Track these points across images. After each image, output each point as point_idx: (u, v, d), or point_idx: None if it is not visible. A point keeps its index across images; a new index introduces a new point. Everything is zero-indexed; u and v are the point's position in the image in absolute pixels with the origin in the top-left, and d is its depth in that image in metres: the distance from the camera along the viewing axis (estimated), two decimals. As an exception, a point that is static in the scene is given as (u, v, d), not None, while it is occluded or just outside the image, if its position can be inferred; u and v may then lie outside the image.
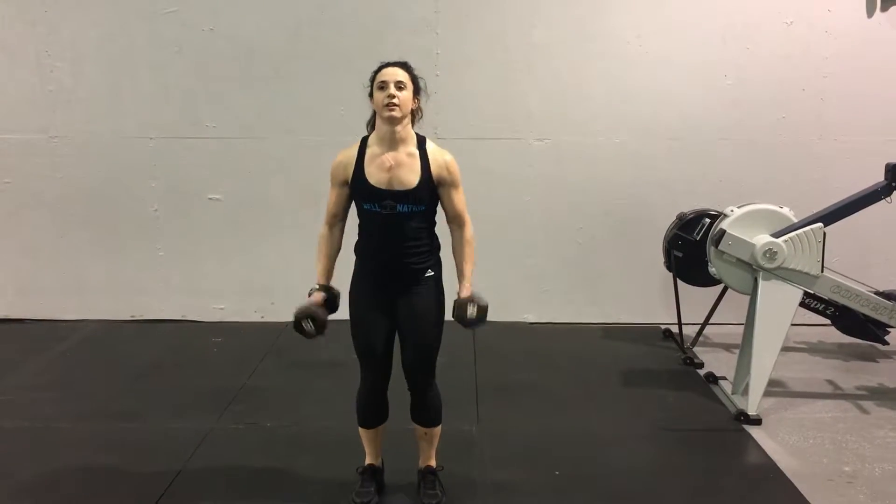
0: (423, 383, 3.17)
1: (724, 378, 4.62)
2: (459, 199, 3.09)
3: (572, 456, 3.74)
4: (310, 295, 3.12)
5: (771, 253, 4.06)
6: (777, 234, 4.10)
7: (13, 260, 5.74)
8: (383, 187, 2.94)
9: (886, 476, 3.57)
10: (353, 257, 3.16)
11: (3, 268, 5.76)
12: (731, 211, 4.29)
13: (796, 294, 4.15)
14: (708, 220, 4.88)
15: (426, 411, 3.24)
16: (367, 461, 3.34)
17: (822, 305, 4.70)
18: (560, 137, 5.57)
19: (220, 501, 3.36)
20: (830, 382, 4.69)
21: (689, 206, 5.18)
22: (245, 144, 5.59)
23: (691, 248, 4.96)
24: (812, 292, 4.27)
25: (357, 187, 2.98)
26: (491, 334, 5.47)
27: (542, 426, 4.06)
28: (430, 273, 3.09)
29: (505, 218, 5.62)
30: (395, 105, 2.89)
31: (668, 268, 5.22)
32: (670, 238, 5.11)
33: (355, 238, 3.15)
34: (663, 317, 5.63)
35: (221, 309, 5.78)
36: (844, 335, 4.92)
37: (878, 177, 4.24)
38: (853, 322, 4.74)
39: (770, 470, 3.62)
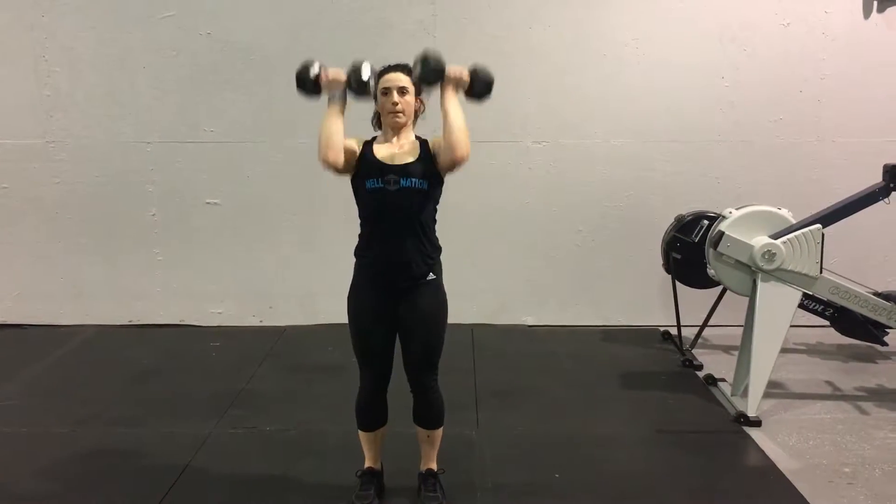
0: (426, 384, 3.18)
1: (723, 380, 4.62)
2: None
3: (572, 459, 3.73)
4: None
5: (770, 254, 4.06)
6: (775, 236, 4.10)
7: (11, 265, 5.74)
8: (388, 162, 3.01)
9: (886, 477, 3.56)
10: (353, 260, 3.15)
11: (1, 273, 5.75)
12: (730, 213, 4.28)
13: (795, 295, 4.14)
14: (706, 222, 4.88)
15: (429, 413, 3.24)
16: (367, 465, 3.33)
17: (821, 307, 4.71)
18: (558, 140, 5.58)
19: (219, 506, 3.36)
20: (830, 383, 4.69)
21: (688, 207, 5.19)
22: (243, 149, 5.58)
23: (690, 249, 4.96)
24: (811, 293, 4.26)
25: (364, 162, 3.03)
26: (490, 337, 5.49)
27: (542, 429, 4.06)
28: (431, 276, 3.09)
29: (503, 220, 5.63)
30: (399, 111, 3.03)
31: (667, 270, 5.23)
32: (669, 240, 5.12)
33: (354, 240, 3.14)
34: (662, 319, 5.63)
35: (220, 313, 5.78)
36: (843, 336, 4.91)
37: (877, 178, 4.24)
38: (852, 323, 4.74)
39: (770, 471, 3.62)
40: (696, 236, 4.94)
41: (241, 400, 4.42)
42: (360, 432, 3.29)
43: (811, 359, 5.13)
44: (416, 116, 3.15)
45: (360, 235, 3.13)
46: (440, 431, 3.29)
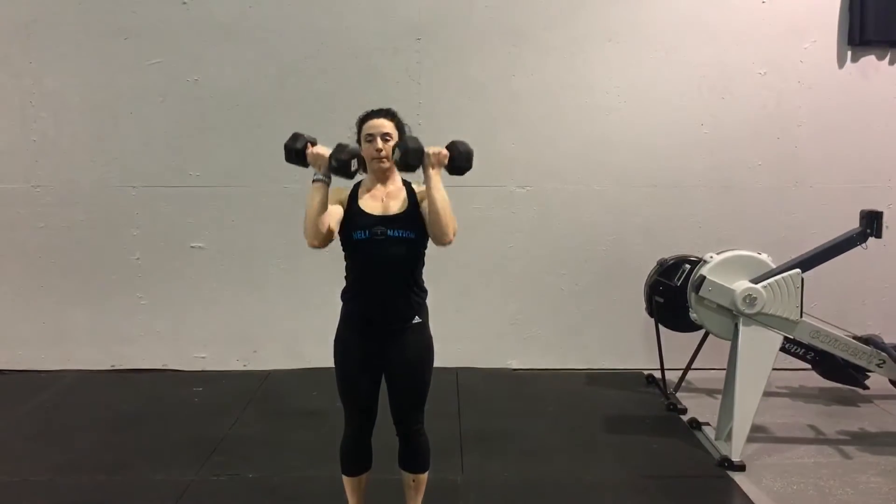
0: (413, 428, 3.17)
1: (707, 424, 4.63)
2: None
3: (557, 504, 3.72)
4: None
5: (750, 299, 4.10)
6: (756, 280, 4.14)
7: (-8, 309, 5.70)
8: (375, 213, 3.02)
9: (870, 521, 3.57)
10: (339, 304, 3.16)
11: (-19, 318, 5.71)
12: (711, 257, 4.33)
13: (776, 339, 4.18)
14: (688, 266, 4.94)
15: (416, 457, 3.22)
16: (351, 512, 3.30)
17: (803, 350, 4.75)
18: (541, 185, 5.64)
19: (200, 555, 3.31)
20: (813, 427, 4.71)
21: (670, 251, 5.25)
22: (228, 193, 5.61)
23: (672, 293, 5.00)
24: (792, 337, 4.31)
25: (350, 214, 3.04)
26: (475, 381, 5.48)
27: (527, 474, 4.04)
28: (417, 320, 3.10)
29: (488, 264, 5.66)
30: (383, 158, 3.04)
31: (650, 313, 5.26)
32: (651, 284, 5.16)
33: (340, 284, 3.15)
34: (646, 362, 5.65)
35: (203, 358, 5.74)
36: (826, 380, 4.95)
37: (853, 223, 4.32)
38: (833, 367, 4.78)
39: (755, 517, 3.62)
40: (678, 280, 4.99)
41: (223, 446, 4.38)
42: (344, 477, 3.26)
43: (794, 402, 5.16)
44: None
45: (346, 279, 3.13)
46: (426, 476, 3.27)
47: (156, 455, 4.27)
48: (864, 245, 4.25)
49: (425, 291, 3.16)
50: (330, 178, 2.94)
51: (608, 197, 5.66)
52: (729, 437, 4.20)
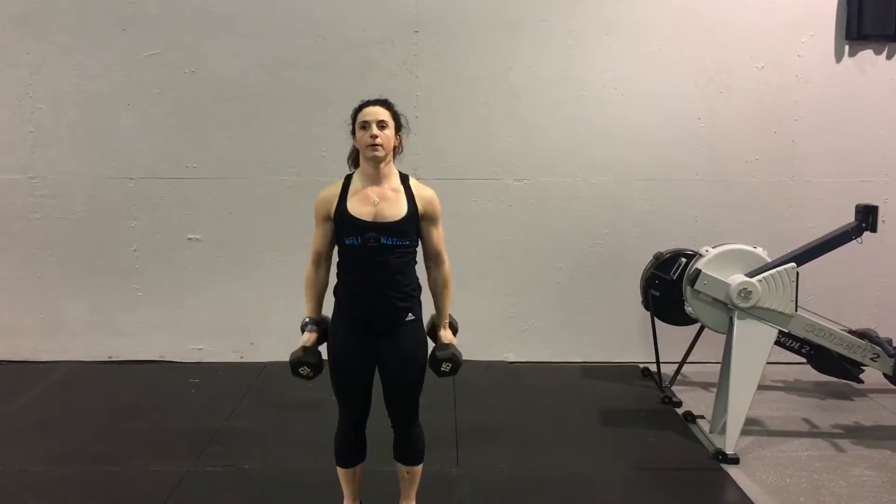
0: (408, 421, 3.18)
1: (701, 417, 4.65)
2: (439, 235, 3.13)
3: (553, 497, 3.73)
4: (303, 330, 3.17)
5: (745, 292, 4.11)
6: (751, 274, 4.15)
7: (-11, 300, 5.70)
8: (367, 220, 2.95)
9: (863, 514, 3.59)
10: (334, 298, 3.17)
11: (-22, 308, 5.72)
12: (707, 251, 4.34)
13: (771, 333, 4.19)
14: (684, 260, 4.94)
15: (410, 449, 3.23)
16: (346, 503, 3.31)
17: (798, 344, 4.75)
18: (538, 178, 5.65)
19: (196, 546, 3.33)
20: (807, 421, 4.73)
21: (666, 245, 5.26)
22: (225, 185, 5.61)
23: (668, 287, 5.01)
24: (787, 331, 4.32)
25: (341, 221, 2.98)
26: (471, 374, 5.45)
27: (523, 467, 4.05)
28: (410, 317, 3.09)
29: (485, 257, 5.67)
30: (377, 145, 2.94)
31: (646, 307, 5.27)
32: (647, 277, 5.17)
33: (336, 278, 3.16)
34: (642, 355, 5.67)
35: (200, 349, 5.75)
36: (820, 373, 4.97)
37: (849, 217, 4.33)
38: (828, 360, 4.79)
39: (748, 509, 3.64)
40: (674, 274, 5.00)
41: (219, 437, 4.39)
42: (338, 469, 3.28)
43: (788, 396, 5.17)
44: (394, 154, 3.09)
45: (338, 275, 3.11)
46: (420, 468, 3.29)
47: (152, 446, 4.28)
48: (859, 239, 4.26)
49: (419, 288, 3.15)
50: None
51: (605, 190, 5.67)
52: (723, 430, 4.22)
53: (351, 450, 3.23)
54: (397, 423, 3.19)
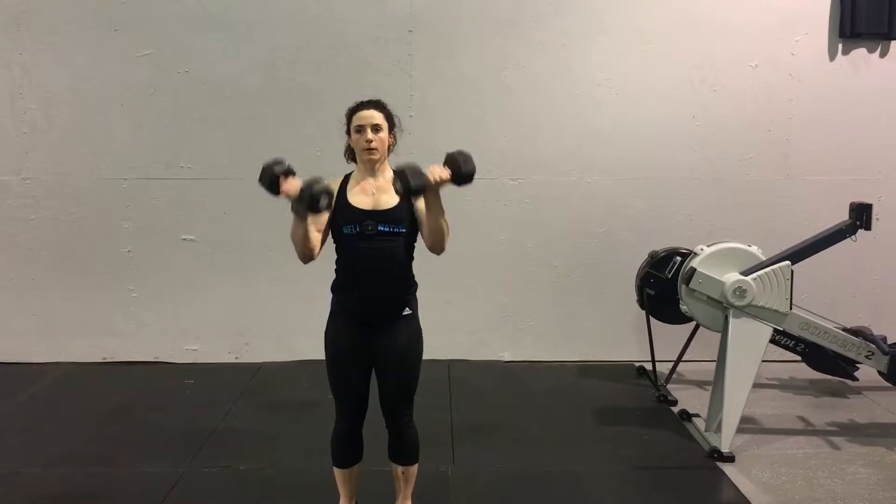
0: (402, 420, 3.18)
1: (697, 415, 4.65)
2: None
3: (549, 495, 3.74)
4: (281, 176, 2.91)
5: (740, 291, 4.12)
6: (746, 273, 4.16)
7: (-17, 302, 5.68)
8: (365, 208, 3.01)
9: (858, 512, 3.60)
10: (330, 297, 3.16)
11: (-28, 310, 5.69)
12: (701, 249, 4.35)
13: (766, 331, 4.20)
14: (679, 258, 4.95)
15: (405, 449, 3.23)
16: (342, 503, 3.31)
17: (793, 342, 4.76)
18: (533, 177, 5.65)
19: (191, 547, 3.32)
20: (802, 419, 4.74)
21: (661, 244, 5.26)
22: (219, 185, 5.60)
23: (663, 285, 5.02)
24: (782, 329, 4.33)
25: (340, 210, 3.03)
26: (466, 373, 5.49)
27: (518, 466, 4.05)
28: (407, 311, 3.10)
29: (479, 257, 5.66)
30: (373, 149, 3.03)
31: (641, 305, 5.28)
32: (643, 276, 5.17)
33: (331, 277, 3.15)
34: (637, 354, 5.67)
35: (195, 350, 5.74)
36: (815, 371, 4.98)
37: (843, 215, 4.34)
38: (823, 358, 4.81)
39: (744, 507, 3.65)
40: (669, 272, 5.00)
41: (215, 438, 4.38)
42: (335, 469, 3.27)
43: (784, 394, 5.18)
44: (389, 151, 3.16)
45: (336, 271, 3.14)
46: (415, 468, 3.29)
47: (147, 447, 4.27)
48: (853, 237, 4.27)
49: (415, 284, 3.16)
50: (303, 214, 2.85)
51: (600, 189, 5.67)
52: (719, 429, 4.23)
53: (347, 450, 3.23)
54: (392, 422, 3.19)
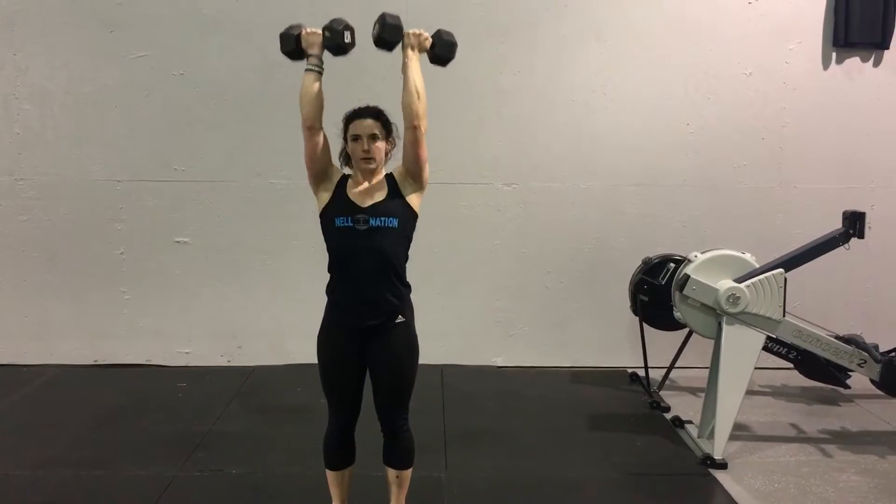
0: (397, 424, 3.18)
1: (690, 422, 4.65)
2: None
3: (541, 502, 3.73)
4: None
5: (734, 298, 4.12)
6: (739, 280, 4.17)
7: (-26, 303, 5.65)
8: (358, 202, 3.04)
9: (850, 519, 3.61)
10: (324, 300, 3.16)
11: (-37, 311, 5.66)
12: (695, 256, 4.35)
13: (759, 338, 4.21)
14: (672, 265, 4.96)
15: (400, 453, 3.23)
16: (334, 507, 3.31)
17: (785, 349, 4.77)
18: (527, 183, 5.65)
19: (182, 551, 3.30)
20: (794, 426, 4.75)
21: (654, 250, 5.27)
22: (213, 188, 5.58)
23: (657, 292, 5.02)
24: (775, 336, 4.34)
25: (335, 198, 3.07)
26: (459, 378, 5.49)
27: (512, 471, 4.05)
28: (401, 319, 3.09)
29: (473, 262, 5.66)
30: (370, 158, 3.06)
31: (635, 311, 5.28)
32: (636, 282, 5.18)
33: (324, 281, 3.15)
34: (630, 360, 5.67)
35: (187, 353, 5.71)
36: (807, 379, 4.98)
37: (837, 223, 4.35)
38: (815, 366, 4.81)
39: (736, 514, 3.65)
40: (662, 279, 5.01)
41: (207, 442, 4.36)
42: (327, 472, 3.27)
43: (776, 401, 5.19)
44: (386, 157, 3.18)
45: (330, 271, 3.13)
46: (409, 472, 3.28)
47: (139, 450, 4.24)
48: (846, 245, 4.28)
49: (409, 287, 3.16)
50: (322, 66, 3.04)
51: (594, 195, 5.68)
52: (711, 435, 4.23)
53: (340, 452, 3.22)
54: (387, 426, 3.18)
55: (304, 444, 4.07)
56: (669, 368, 5.30)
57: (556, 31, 5.54)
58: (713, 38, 5.56)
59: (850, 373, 4.74)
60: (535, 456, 4.26)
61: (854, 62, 5.64)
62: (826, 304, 5.59)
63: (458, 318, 5.71)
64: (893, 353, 4.53)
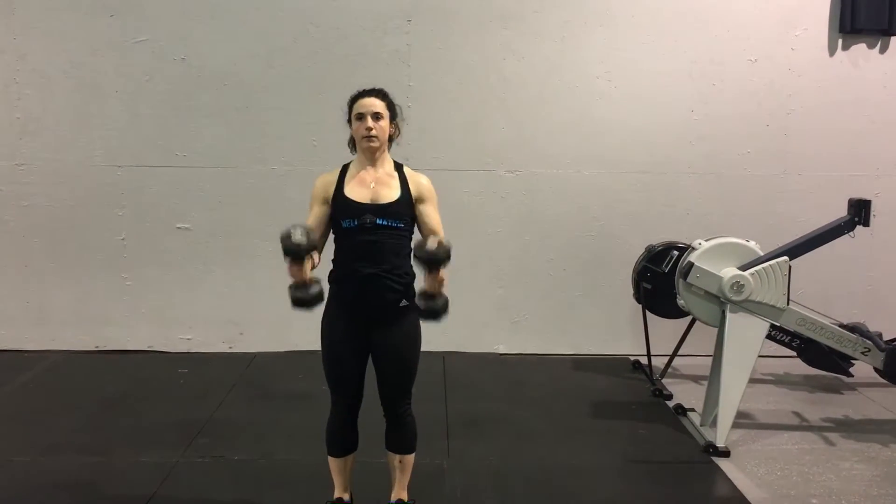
0: (400, 410, 3.17)
1: (692, 410, 4.64)
2: (436, 216, 3.14)
3: (544, 489, 3.73)
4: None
5: (738, 286, 4.10)
6: (744, 268, 4.15)
7: (-25, 289, 5.64)
8: (364, 202, 3.01)
9: (853, 508, 3.60)
10: (327, 286, 3.14)
11: (-36, 297, 5.65)
12: (699, 244, 4.33)
13: (763, 326, 4.19)
14: (676, 253, 4.94)
15: (402, 438, 3.23)
16: (336, 495, 3.29)
17: (789, 338, 4.75)
18: (530, 169, 5.62)
19: (184, 537, 3.30)
20: (797, 414, 4.74)
21: (658, 238, 5.25)
22: (215, 173, 5.56)
23: (660, 280, 5.00)
24: (778, 325, 4.32)
25: (338, 203, 3.03)
26: (462, 365, 5.48)
27: (514, 459, 4.04)
28: (404, 303, 3.08)
29: (476, 249, 5.64)
30: (373, 136, 3.02)
31: (638, 299, 5.26)
32: (639, 270, 5.16)
33: (328, 268, 3.13)
34: (633, 348, 5.66)
35: (189, 339, 5.71)
36: (810, 367, 4.97)
37: (841, 211, 4.33)
38: (818, 354, 4.79)
39: (738, 502, 3.63)
40: (666, 267, 4.99)
41: (208, 428, 4.36)
42: (329, 458, 3.26)
43: (779, 389, 5.18)
44: (390, 141, 3.15)
45: (333, 262, 3.12)
46: (412, 458, 3.28)
47: (140, 437, 4.24)
48: (851, 233, 4.26)
49: (412, 275, 3.14)
50: (307, 252, 2.89)
51: (597, 182, 5.65)
52: (714, 423, 4.22)
53: (342, 439, 3.22)
54: (390, 411, 3.18)
55: (306, 430, 4.07)
56: (672, 356, 5.29)
57: (560, 18, 5.51)
58: (718, 24, 5.53)
59: (853, 361, 4.72)
60: (538, 443, 4.26)
61: (860, 49, 5.60)
62: (830, 292, 5.56)
63: (461, 306, 5.62)
64: (897, 342, 4.52)
